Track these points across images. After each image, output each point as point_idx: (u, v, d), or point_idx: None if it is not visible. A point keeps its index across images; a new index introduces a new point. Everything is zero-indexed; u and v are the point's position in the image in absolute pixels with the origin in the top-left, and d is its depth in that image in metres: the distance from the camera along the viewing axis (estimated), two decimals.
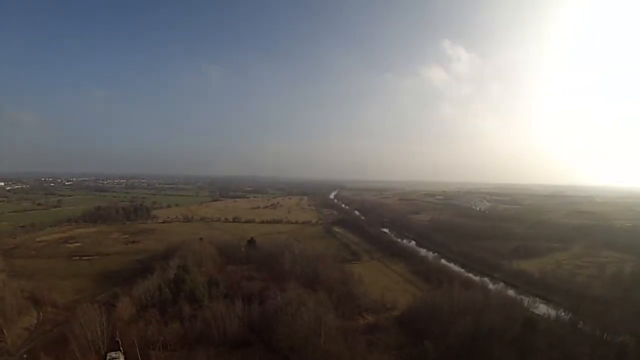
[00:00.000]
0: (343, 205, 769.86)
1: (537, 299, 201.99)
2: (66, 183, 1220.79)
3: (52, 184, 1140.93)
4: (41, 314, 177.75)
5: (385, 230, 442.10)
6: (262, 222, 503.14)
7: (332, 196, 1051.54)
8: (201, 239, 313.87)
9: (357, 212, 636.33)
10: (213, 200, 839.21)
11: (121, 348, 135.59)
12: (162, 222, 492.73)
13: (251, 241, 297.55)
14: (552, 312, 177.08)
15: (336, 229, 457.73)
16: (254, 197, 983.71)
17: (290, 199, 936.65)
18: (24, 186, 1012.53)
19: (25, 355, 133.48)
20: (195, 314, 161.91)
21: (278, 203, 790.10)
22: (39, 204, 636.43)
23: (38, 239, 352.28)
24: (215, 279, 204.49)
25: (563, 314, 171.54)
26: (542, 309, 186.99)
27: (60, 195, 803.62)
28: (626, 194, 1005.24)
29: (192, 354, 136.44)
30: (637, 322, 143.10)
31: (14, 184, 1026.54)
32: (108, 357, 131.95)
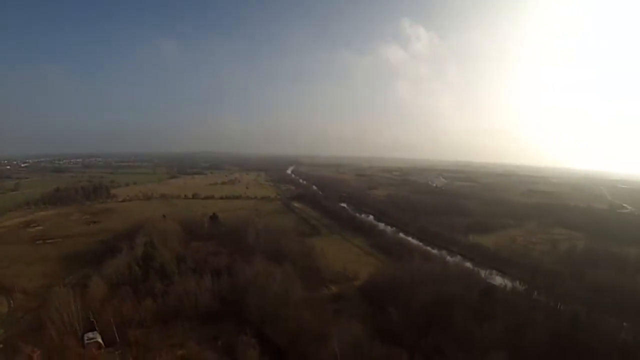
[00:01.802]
0: (301, 181, 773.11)
1: (493, 271, 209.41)
2: (22, 165, 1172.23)
3: (8, 167, 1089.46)
4: (12, 301, 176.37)
5: (344, 205, 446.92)
6: (222, 198, 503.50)
7: (289, 172, 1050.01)
8: (164, 216, 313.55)
9: (314, 188, 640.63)
10: (171, 178, 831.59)
11: (97, 328, 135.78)
12: (122, 201, 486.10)
13: (214, 217, 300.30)
14: (508, 284, 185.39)
15: (295, 204, 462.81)
16: (212, 173, 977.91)
17: (247, 174, 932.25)
18: None
19: (0, 346, 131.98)
20: (167, 290, 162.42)
21: (236, 179, 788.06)
22: None
23: None
24: (183, 255, 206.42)
25: (518, 285, 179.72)
26: (498, 280, 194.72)
27: (17, 178, 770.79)
28: (584, 176, 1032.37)
29: (167, 329, 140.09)
30: (588, 294, 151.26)
31: None
32: (85, 338, 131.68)
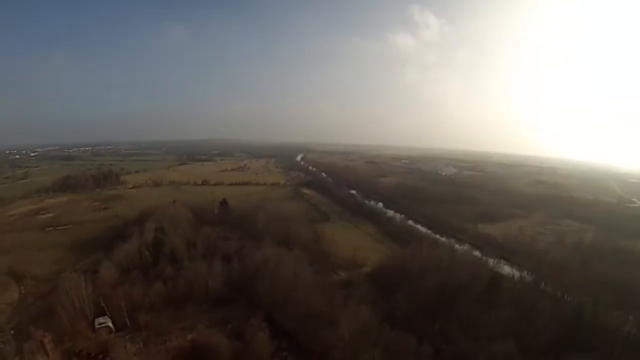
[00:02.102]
0: (310, 168, 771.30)
1: (501, 260, 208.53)
2: (31, 154, 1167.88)
3: (18, 156, 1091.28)
4: (22, 288, 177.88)
5: (353, 192, 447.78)
6: (231, 185, 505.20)
7: (298, 159, 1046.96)
8: (174, 201, 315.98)
9: (324, 174, 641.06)
10: (180, 164, 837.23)
11: (107, 312, 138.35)
12: (132, 188, 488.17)
13: (223, 202, 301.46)
14: (516, 273, 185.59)
15: (304, 190, 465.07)
16: (221, 160, 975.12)
17: (257, 161, 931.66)
18: None
19: (12, 332, 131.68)
20: (177, 274, 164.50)
21: (245, 165, 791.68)
22: (6, 178, 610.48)
23: (9, 213, 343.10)
24: (193, 240, 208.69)
25: (525, 275, 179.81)
26: (505, 269, 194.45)
27: (27, 167, 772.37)
28: (593, 169, 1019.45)
29: (177, 313, 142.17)
30: (593, 286, 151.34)
31: None
32: (96, 323, 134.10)
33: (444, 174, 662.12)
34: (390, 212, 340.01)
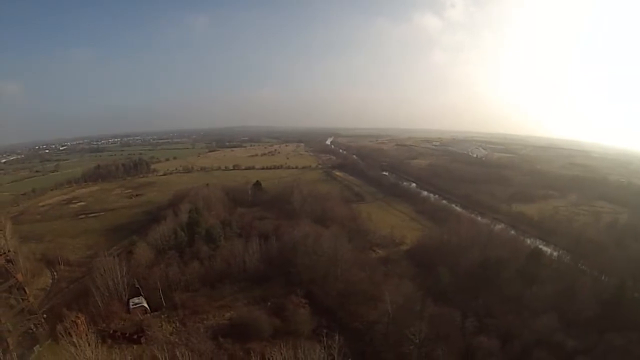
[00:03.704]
0: (340, 151, 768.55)
1: (538, 239, 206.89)
2: (61, 148, 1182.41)
3: (47, 151, 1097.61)
4: (55, 273, 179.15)
5: (385, 173, 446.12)
6: (262, 168, 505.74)
7: (328, 142, 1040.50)
8: (207, 184, 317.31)
9: (355, 157, 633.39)
10: (210, 151, 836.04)
11: (142, 293, 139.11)
12: (163, 175, 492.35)
13: (257, 184, 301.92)
14: (553, 252, 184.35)
15: (337, 172, 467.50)
16: (251, 145, 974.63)
17: (287, 146, 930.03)
18: (18, 156, 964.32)
19: (44, 315, 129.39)
20: (214, 254, 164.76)
21: (276, 150, 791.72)
22: (37, 171, 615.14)
23: (41, 204, 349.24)
24: (228, 220, 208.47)
25: (562, 253, 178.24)
26: (543, 248, 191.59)
27: (56, 160, 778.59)
28: (624, 152, 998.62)
29: (214, 292, 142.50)
30: (631, 266, 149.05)
31: (8, 155, 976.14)
32: (131, 304, 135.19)
33: (475, 155, 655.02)
34: (424, 193, 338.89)
